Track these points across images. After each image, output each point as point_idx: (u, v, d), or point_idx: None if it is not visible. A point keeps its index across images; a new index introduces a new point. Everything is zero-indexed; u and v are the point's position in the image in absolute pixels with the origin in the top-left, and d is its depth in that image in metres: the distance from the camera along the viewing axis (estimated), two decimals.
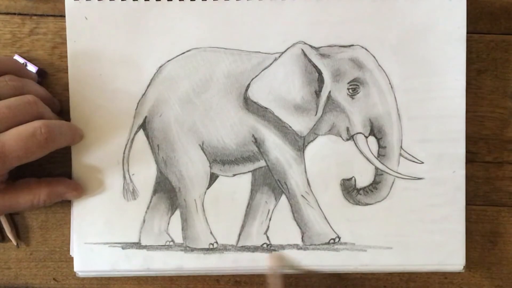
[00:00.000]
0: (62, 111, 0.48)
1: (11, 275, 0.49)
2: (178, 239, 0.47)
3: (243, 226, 0.47)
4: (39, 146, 0.41)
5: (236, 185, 0.47)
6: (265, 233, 0.48)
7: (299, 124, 0.47)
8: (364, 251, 0.47)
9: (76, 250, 0.47)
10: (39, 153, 0.41)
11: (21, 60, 0.47)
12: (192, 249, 0.47)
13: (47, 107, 0.44)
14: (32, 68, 0.47)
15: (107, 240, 0.47)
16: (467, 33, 0.47)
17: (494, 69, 0.49)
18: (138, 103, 0.47)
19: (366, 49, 0.47)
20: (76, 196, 0.46)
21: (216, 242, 0.47)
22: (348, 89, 0.47)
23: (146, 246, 0.47)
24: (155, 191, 0.47)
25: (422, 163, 0.47)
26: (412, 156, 0.47)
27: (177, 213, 0.47)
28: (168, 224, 0.47)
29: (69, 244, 0.48)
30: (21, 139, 0.40)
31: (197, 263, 0.47)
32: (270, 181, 0.48)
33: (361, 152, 0.47)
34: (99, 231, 0.47)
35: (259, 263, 0.47)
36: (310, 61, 0.47)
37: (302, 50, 0.47)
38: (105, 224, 0.47)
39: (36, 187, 0.44)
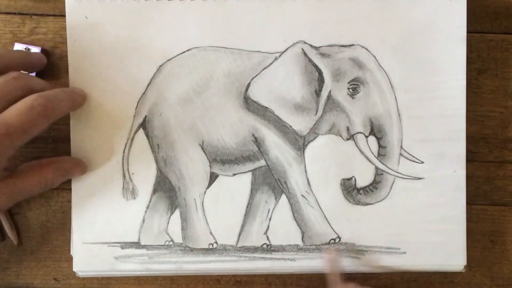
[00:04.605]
0: None
1: (11, 275, 0.49)
2: (178, 239, 0.47)
3: (243, 226, 0.47)
4: (41, 116, 0.40)
5: (236, 185, 0.47)
6: (265, 233, 0.47)
7: (299, 123, 0.47)
8: (365, 251, 0.47)
9: (76, 250, 0.47)
10: (42, 123, 0.41)
11: (22, 47, 0.47)
12: (192, 249, 0.47)
13: (36, 78, 0.44)
14: (35, 49, 0.47)
15: (107, 239, 0.47)
16: (467, 32, 0.47)
17: (494, 68, 0.49)
18: (138, 102, 0.47)
19: (366, 49, 0.47)
20: (80, 172, 0.46)
21: (216, 242, 0.47)
22: (348, 88, 0.47)
23: (145, 245, 0.47)
24: (154, 191, 0.47)
25: (422, 162, 0.47)
26: (412, 156, 0.47)
27: (177, 212, 0.47)
28: (168, 223, 0.47)
29: (69, 244, 0.48)
30: (22, 113, 0.40)
31: (197, 263, 0.47)
32: (270, 181, 0.48)
33: (361, 152, 0.47)
34: (99, 230, 0.47)
35: (259, 263, 0.47)
36: (310, 60, 0.47)
37: (302, 49, 0.47)
38: (105, 224, 0.47)
39: (41, 168, 0.44)
